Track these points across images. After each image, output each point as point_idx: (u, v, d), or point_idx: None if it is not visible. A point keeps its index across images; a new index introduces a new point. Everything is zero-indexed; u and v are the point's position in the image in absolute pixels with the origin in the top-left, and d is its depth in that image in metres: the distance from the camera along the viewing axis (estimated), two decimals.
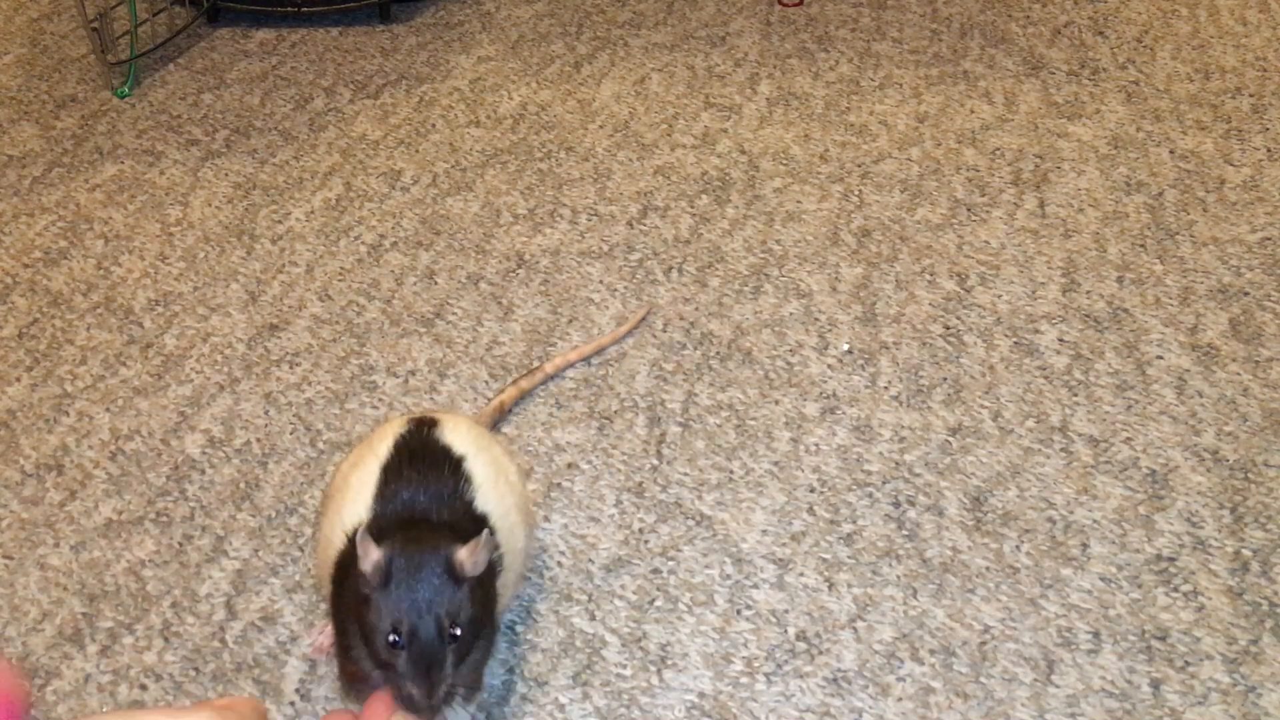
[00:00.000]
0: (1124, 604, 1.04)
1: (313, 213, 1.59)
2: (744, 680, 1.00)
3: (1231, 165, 1.60)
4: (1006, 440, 1.21)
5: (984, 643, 1.02)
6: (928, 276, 1.42)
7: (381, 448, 0.94)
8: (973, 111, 1.73)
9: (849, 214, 1.53)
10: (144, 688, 1.01)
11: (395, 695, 0.81)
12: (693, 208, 1.56)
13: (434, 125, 1.76)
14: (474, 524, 0.90)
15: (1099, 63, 1.84)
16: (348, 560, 0.86)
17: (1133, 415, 1.23)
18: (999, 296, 1.39)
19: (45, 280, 1.48)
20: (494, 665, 1.01)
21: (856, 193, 1.57)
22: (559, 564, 1.10)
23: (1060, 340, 1.32)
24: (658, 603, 1.06)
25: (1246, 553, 1.09)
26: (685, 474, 1.18)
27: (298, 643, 1.04)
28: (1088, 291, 1.39)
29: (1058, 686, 0.98)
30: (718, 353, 1.33)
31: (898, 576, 1.08)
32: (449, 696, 0.82)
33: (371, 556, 0.81)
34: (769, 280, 1.43)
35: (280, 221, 1.57)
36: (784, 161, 1.64)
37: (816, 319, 1.37)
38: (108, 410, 1.29)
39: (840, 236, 1.50)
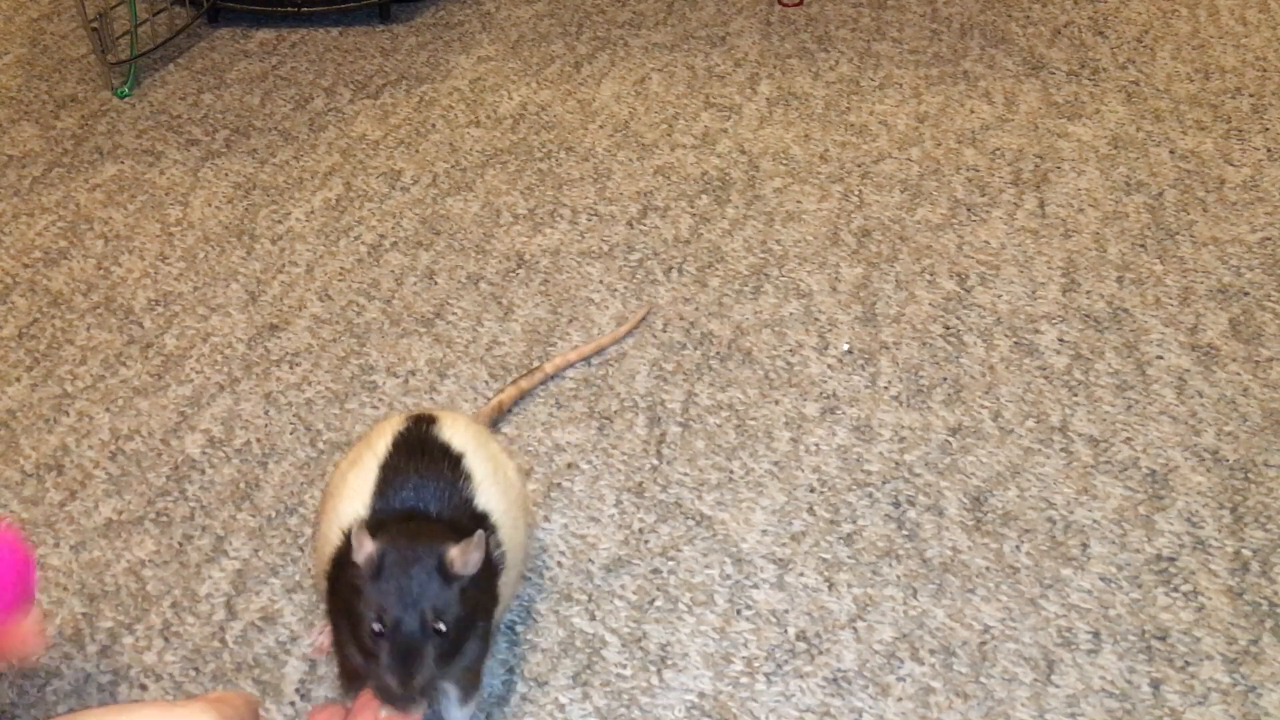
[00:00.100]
0: (1124, 604, 1.04)
1: (313, 213, 1.59)
2: (744, 680, 1.00)
3: (1231, 165, 1.60)
4: (1006, 440, 1.21)
5: (984, 643, 1.02)
6: (928, 276, 1.42)
7: (380, 446, 0.93)
8: (973, 111, 1.73)
9: (849, 214, 1.53)
10: (144, 688, 1.01)
11: (374, 687, 0.80)
12: (693, 208, 1.56)
13: (434, 125, 1.76)
14: (474, 521, 0.90)
15: (1099, 63, 1.84)
16: (344, 557, 0.86)
17: (1133, 415, 1.23)
18: (999, 296, 1.39)
19: (45, 280, 1.48)
20: (494, 665, 1.01)
21: (856, 193, 1.57)
22: (559, 564, 1.10)
23: (1060, 340, 1.32)
24: (658, 603, 1.06)
25: (1246, 553, 1.08)
26: (685, 474, 1.18)
27: (298, 643, 1.04)
28: (1088, 291, 1.39)
29: (1058, 686, 0.98)
30: (718, 353, 1.33)
31: (898, 576, 1.08)
32: (428, 691, 0.82)
33: (365, 549, 0.81)
34: (769, 280, 1.43)
35: (280, 221, 1.57)
36: (784, 161, 1.64)
37: (816, 319, 1.37)
38: (108, 410, 1.29)
39: (840, 236, 1.49)
